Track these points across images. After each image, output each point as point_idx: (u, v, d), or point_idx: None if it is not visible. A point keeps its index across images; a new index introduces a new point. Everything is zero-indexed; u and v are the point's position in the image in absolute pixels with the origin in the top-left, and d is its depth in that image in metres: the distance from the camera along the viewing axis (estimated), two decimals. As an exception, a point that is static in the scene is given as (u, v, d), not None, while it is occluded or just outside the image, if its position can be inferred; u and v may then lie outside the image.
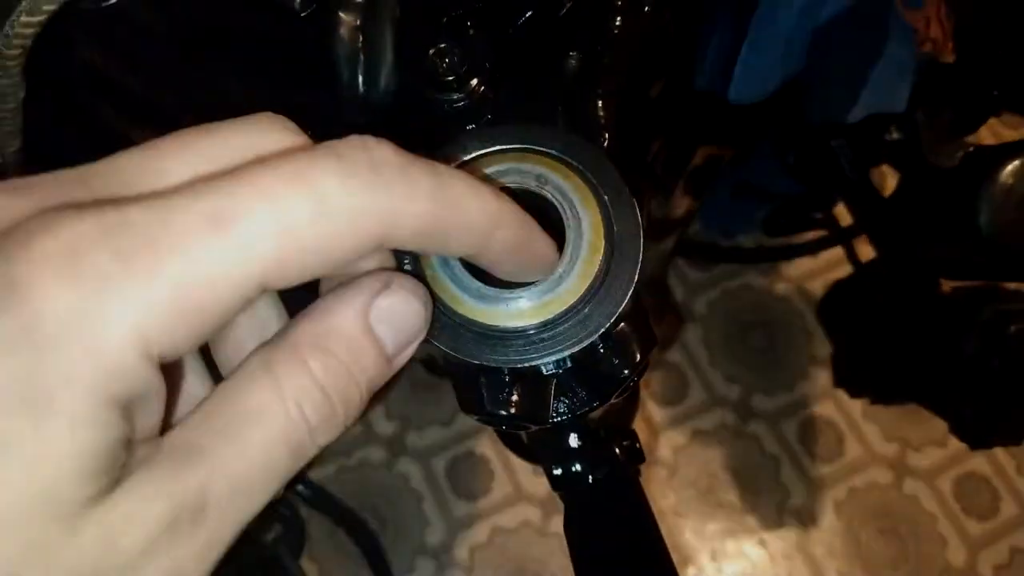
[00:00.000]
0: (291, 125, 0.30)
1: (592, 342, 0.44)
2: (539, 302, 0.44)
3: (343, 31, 0.51)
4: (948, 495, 1.41)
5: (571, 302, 0.44)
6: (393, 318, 0.31)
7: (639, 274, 0.45)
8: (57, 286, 0.21)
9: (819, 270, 1.53)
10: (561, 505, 1.35)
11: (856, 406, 1.44)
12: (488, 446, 1.43)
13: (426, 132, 0.55)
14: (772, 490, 1.40)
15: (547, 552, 1.35)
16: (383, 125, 0.55)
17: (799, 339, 1.50)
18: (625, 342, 0.52)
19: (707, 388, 1.47)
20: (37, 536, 0.21)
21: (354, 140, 0.27)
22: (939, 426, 1.44)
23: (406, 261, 0.46)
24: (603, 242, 0.46)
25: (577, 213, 0.46)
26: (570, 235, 0.45)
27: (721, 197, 1.32)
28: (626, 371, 0.51)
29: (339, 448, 1.42)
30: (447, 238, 0.29)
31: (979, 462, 1.43)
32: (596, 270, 0.45)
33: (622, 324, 0.46)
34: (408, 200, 0.26)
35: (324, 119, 0.55)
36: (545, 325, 0.44)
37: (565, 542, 1.33)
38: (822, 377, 1.47)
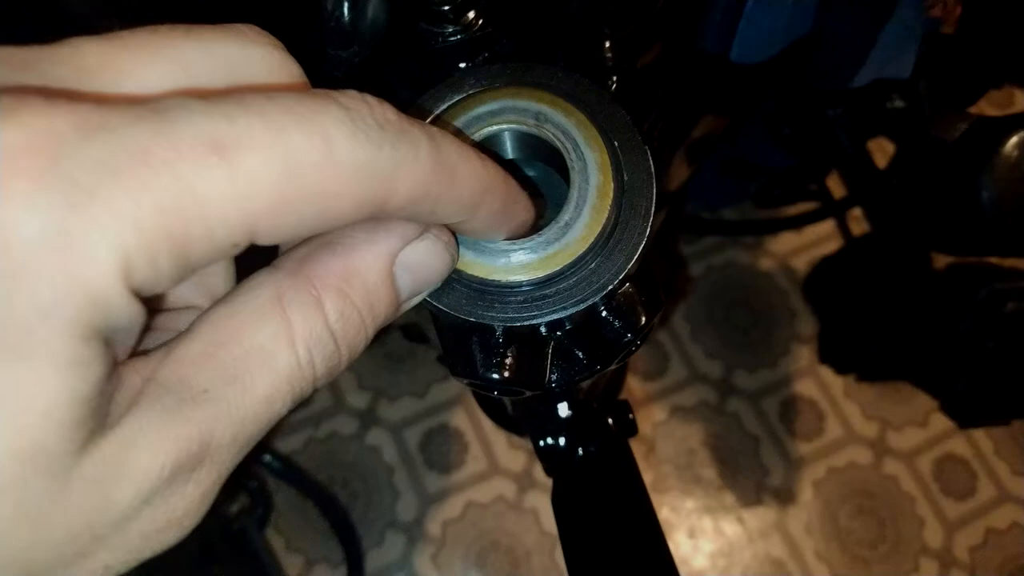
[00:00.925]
0: (278, 44, 0.27)
1: (596, 301, 0.40)
2: (543, 254, 0.40)
3: (328, -52, 0.46)
4: (927, 476, 1.40)
5: (579, 252, 0.40)
6: (419, 268, 0.29)
7: (651, 226, 0.41)
8: (29, 198, 0.17)
9: (804, 247, 1.51)
10: (537, 480, 1.33)
11: (837, 385, 1.42)
12: (462, 419, 1.39)
13: (416, 69, 0.51)
14: (751, 468, 1.38)
15: (521, 527, 1.32)
16: (369, 60, 0.50)
17: (782, 317, 1.47)
18: (630, 304, 0.48)
19: (688, 364, 1.44)
20: (25, 495, 0.19)
21: (354, 94, 0.24)
22: (920, 406, 1.44)
23: None
24: (612, 186, 0.41)
25: (582, 154, 0.41)
26: (575, 178, 0.40)
27: (708, 172, 1.29)
28: (629, 335, 0.48)
29: (308, 419, 1.37)
30: (436, 205, 0.26)
31: (958, 443, 1.42)
32: (605, 218, 0.40)
33: (627, 284, 0.42)
34: (410, 165, 0.24)
35: (305, 51, 0.51)
36: (548, 280, 0.40)
37: (538, 517, 1.30)
38: (804, 355, 1.44)
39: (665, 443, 1.37)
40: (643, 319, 0.48)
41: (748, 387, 1.43)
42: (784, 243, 1.51)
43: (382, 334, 1.41)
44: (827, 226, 1.49)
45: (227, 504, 1.15)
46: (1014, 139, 0.84)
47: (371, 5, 0.46)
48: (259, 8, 0.53)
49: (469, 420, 1.38)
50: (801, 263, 1.50)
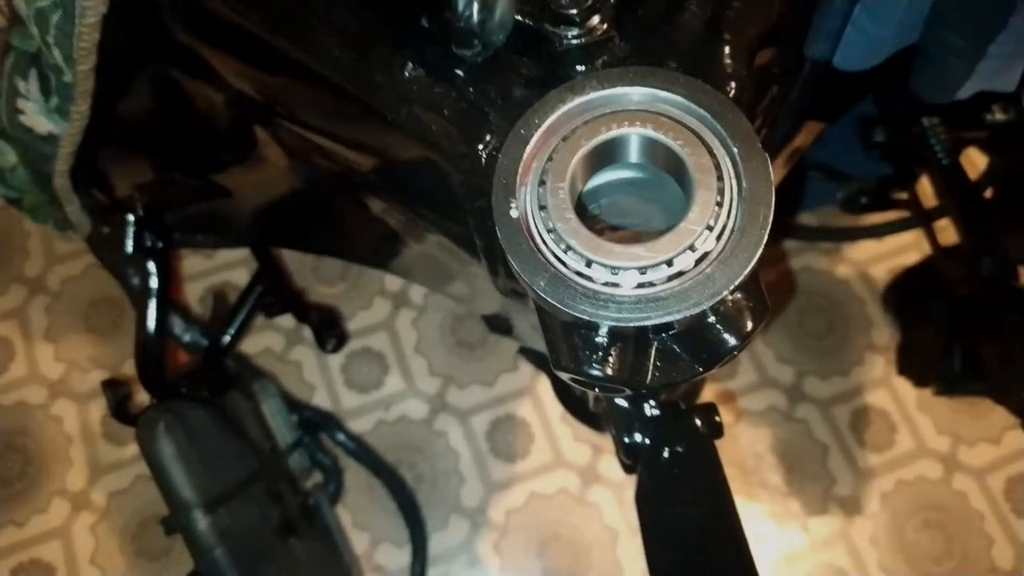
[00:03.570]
0: None
1: (708, 307, 0.41)
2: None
3: (460, -48, 0.47)
4: (998, 494, 1.37)
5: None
6: None
7: (768, 235, 0.41)
8: None
9: (884, 255, 1.48)
10: (601, 475, 1.34)
11: (911, 397, 1.40)
12: (529, 410, 1.40)
13: (535, 69, 0.52)
14: (818, 476, 1.36)
15: (583, 520, 1.33)
16: (490, 60, 0.51)
17: (857, 325, 1.45)
18: (737, 310, 0.48)
19: (759, 368, 1.43)
20: None
21: None
22: (994, 423, 1.41)
23: (513, 203, 0.43)
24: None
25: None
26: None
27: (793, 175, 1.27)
28: (734, 341, 0.48)
29: (379, 401, 1.40)
30: None
31: (1033, 463, 1.38)
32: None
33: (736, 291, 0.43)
34: None
35: (434, 49, 0.52)
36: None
37: (600, 511, 1.31)
38: (879, 365, 1.42)
39: (732, 446, 1.37)
40: (749, 325, 0.49)
41: (819, 394, 1.41)
42: (863, 250, 1.49)
43: (457, 321, 1.44)
44: (909, 235, 1.46)
45: (303, 479, 1.19)
46: (1121, 157, 0.82)
47: (500, 6, 0.48)
48: (385, 5, 0.55)
49: (536, 411, 1.40)
50: (880, 272, 1.47)
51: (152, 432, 0.96)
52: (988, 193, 1.03)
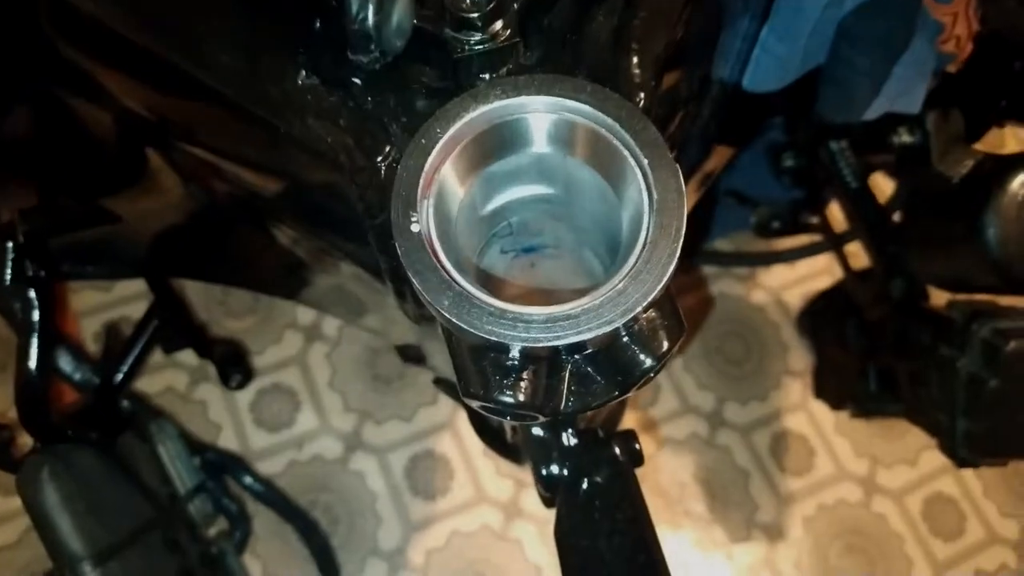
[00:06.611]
0: None
1: (621, 324, 0.38)
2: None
3: (354, -50, 0.44)
4: (916, 515, 1.38)
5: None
6: None
7: (681, 248, 0.39)
8: None
9: (797, 280, 1.50)
10: (524, 509, 1.30)
11: (828, 420, 1.41)
12: (450, 445, 1.36)
13: (435, 77, 0.49)
14: (741, 503, 1.36)
15: (506, 557, 1.29)
16: (388, 66, 0.48)
17: (774, 349, 1.46)
18: (652, 329, 0.46)
19: (679, 395, 1.42)
20: None
21: None
22: (910, 444, 1.43)
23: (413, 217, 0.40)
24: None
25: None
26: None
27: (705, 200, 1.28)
28: (650, 361, 0.46)
29: (291, 440, 1.33)
30: None
31: (947, 483, 1.41)
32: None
33: (650, 308, 0.41)
34: None
35: (329, 56, 0.49)
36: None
37: (523, 547, 1.26)
38: (796, 389, 1.43)
39: (655, 475, 1.35)
40: (665, 345, 0.46)
41: (739, 420, 1.41)
42: (777, 276, 1.50)
43: (373, 354, 1.39)
44: (822, 260, 1.49)
45: (206, 526, 1.11)
46: (1021, 178, 0.84)
47: (397, 9, 0.45)
48: (276, 10, 0.52)
49: (456, 446, 1.35)
50: (794, 296, 1.49)
51: (35, 479, 0.88)
52: (896, 216, 1.05)
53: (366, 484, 1.32)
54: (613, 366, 0.46)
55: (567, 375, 0.47)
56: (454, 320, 0.38)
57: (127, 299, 1.39)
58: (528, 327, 0.38)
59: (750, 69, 0.77)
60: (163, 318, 1.14)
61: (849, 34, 0.74)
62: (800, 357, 1.45)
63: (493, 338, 0.38)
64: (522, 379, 0.44)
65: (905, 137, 0.89)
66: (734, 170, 1.26)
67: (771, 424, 1.41)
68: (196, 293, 1.39)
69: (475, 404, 0.47)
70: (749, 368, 1.45)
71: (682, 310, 0.46)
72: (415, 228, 0.39)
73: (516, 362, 0.44)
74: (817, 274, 1.50)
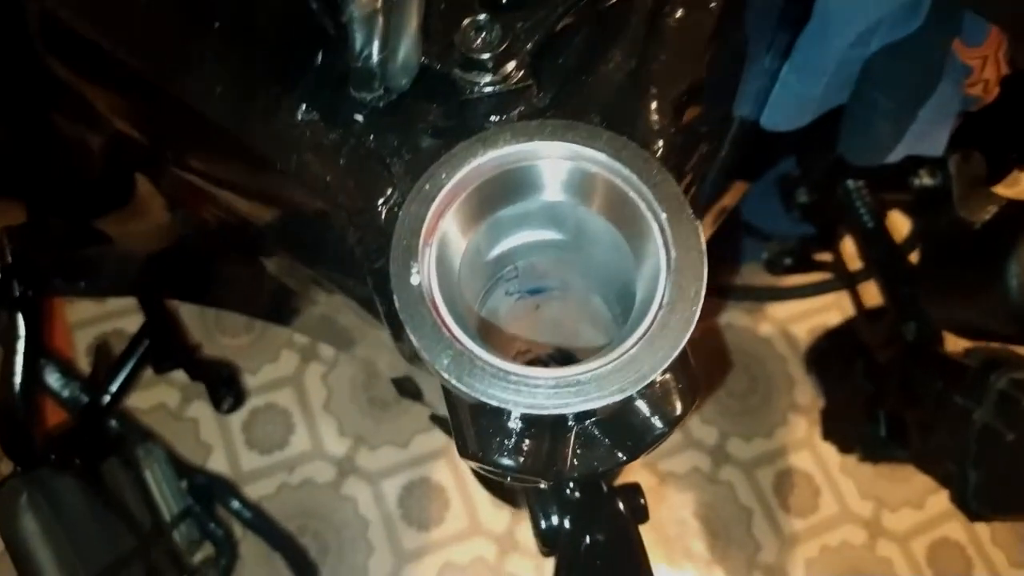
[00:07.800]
0: None
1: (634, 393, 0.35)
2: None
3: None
4: (921, 560, 1.35)
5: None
6: None
7: (700, 311, 0.36)
8: None
9: (805, 314, 1.47)
10: (520, 543, 1.27)
11: (834, 459, 1.38)
12: (445, 473, 1.32)
13: (443, 118, 0.46)
14: (743, 542, 1.32)
15: (500, 592, 1.25)
16: (393, 105, 0.45)
17: (779, 384, 1.43)
18: (665, 393, 0.44)
19: (681, 428, 1.39)
20: None
21: None
22: (916, 487, 1.39)
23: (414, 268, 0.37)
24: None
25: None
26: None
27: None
28: (661, 426, 0.43)
29: (282, 463, 1.30)
30: None
31: (953, 528, 1.37)
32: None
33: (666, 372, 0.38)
34: None
35: (330, 91, 0.46)
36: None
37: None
38: (801, 426, 1.40)
39: (655, 512, 1.30)
40: (679, 409, 0.44)
41: (743, 456, 1.38)
42: (785, 308, 1.47)
43: (370, 378, 1.36)
44: (831, 294, 1.45)
45: (190, 553, 1.08)
46: (1046, 225, 0.81)
47: (403, 47, 0.42)
48: (276, 41, 0.49)
49: (452, 475, 1.32)
50: (801, 330, 1.46)
51: (12, 507, 0.85)
52: (912, 257, 1.02)
53: (358, 511, 1.29)
54: (622, 430, 0.43)
55: (572, 439, 0.44)
56: (453, 380, 0.35)
57: (122, 312, 1.36)
58: (533, 392, 0.35)
59: (769, 107, 0.74)
60: (154, 338, 1.12)
61: (874, 75, 0.71)
62: (806, 392, 1.42)
63: (493, 402, 0.35)
64: (524, 442, 0.42)
65: (926, 180, 0.86)
66: (743, 202, 1.23)
67: (775, 461, 1.38)
68: (191, 310, 1.36)
69: (473, 465, 0.44)
70: (754, 402, 1.42)
71: (694, 361, 0.44)
72: (415, 280, 0.36)
73: (518, 424, 0.41)
74: (826, 308, 1.47)
